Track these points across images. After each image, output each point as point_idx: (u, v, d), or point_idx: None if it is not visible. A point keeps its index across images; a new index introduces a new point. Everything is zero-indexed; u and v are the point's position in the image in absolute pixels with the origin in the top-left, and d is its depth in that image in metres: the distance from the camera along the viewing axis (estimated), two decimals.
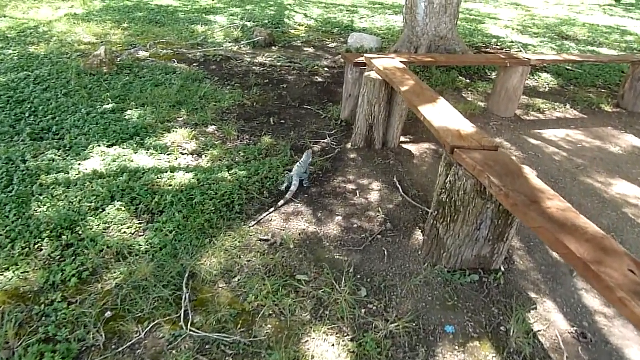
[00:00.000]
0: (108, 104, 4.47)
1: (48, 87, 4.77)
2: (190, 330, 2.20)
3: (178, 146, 3.90)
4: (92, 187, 3.14)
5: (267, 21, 8.57)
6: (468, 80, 6.16)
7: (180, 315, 2.28)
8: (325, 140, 4.26)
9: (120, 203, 3.02)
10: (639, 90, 5.57)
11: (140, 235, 2.81)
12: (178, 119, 4.41)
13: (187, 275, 2.52)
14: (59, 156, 3.52)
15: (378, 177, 3.71)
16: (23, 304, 2.28)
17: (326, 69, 6.26)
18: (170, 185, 3.25)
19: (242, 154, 3.83)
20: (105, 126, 4.02)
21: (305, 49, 7.22)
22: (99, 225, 2.82)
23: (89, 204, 2.97)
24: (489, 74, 6.50)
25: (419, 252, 2.90)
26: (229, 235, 2.88)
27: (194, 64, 6.01)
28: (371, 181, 3.65)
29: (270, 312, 2.35)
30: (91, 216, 2.89)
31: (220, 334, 2.20)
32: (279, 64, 6.27)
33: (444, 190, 2.66)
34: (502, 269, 2.81)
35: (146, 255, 2.64)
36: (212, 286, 2.49)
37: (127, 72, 5.39)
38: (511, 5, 13.14)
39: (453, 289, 2.62)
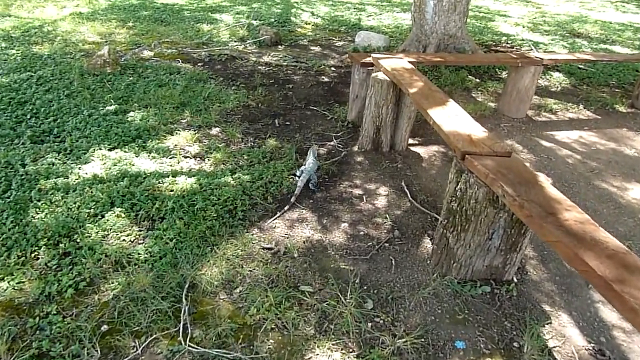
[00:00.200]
0: (110, 105, 4.40)
1: (50, 87, 4.71)
2: (189, 346, 2.11)
3: (181, 149, 3.81)
4: (91, 192, 3.06)
5: (273, 19, 8.47)
6: (478, 80, 6.02)
7: (179, 329, 2.20)
8: (331, 143, 4.16)
9: (119, 209, 2.94)
10: None
11: (139, 243, 2.73)
12: (181, 121, 4.32)
13: (187, 286, 2.44)
14: (59, 160, 3.45)
15: (385, 182, 3.61)
16: (17, 317, 2.21)
17: (333, 69, 6.15)
18: (172, 191, 3.17)
19: (245, 157, 3.74)
20: (107, 128, 3.95)
21: (312, 48, 7.11)
22: (97, 232, 2.74)
23: (88, 210, 2.89)
24: (499, 73, 6.36)
25: (428, 262, 2.79)
26: (231, 243, 2.79)
27: (199, 64, 5.93)
28: (378, 185, 3.55)
29: (273, 326, 2.26)
30: (90, 223, 2.81)
31: (220, 350, 2.11)
32: (284, 64, 6.17)
33: (454, 198, 2.55)
34: (515, 279, 2.70)
35: (145, 264, 2.56)
36: (213, 297, 2.41)
37: (131, 72, 5.32)
38: (521, 2, 12.93)
39: (463, 302, 2.51)
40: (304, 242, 2.87)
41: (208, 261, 2.63)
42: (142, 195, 3.07)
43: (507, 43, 7.89)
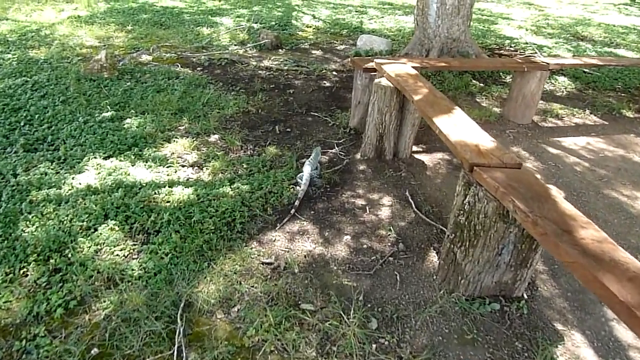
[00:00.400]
0: (107, 112, 4.29)
1: (46, 93, 4.60)
2: None
3: (178, 157, 3.71)
4: (84, 204, 2.95)
5: (274, 23, 8.38)
6: (482, 84, 5.92)
7: (174, 352, 2.08)
8: (333, 150, 4.05)
9: (113, 222, 2.83)
10: None
11: (133, 258, 2.62)
12: (179, 128, 4.22)
13: (182, 304, 2.33)
14: (52, 169, 3.34)
15: (389, 191, 3.49)
16: (3, 339, 2.10)
17: (334, 73, 6.04)
18: (168, 202, 3.06)
19: (245, 166, 3.63)
20: (102, 136, 3.84)
21: (313, 52, 7.01)
22: (89, 247, 2.63)
23: (81, 223, 2.79)
24: (503, 77, 6.25)
25: (434, 277, 2.68)
26: (229, 258, 2.67)
27: (198, 68, 5.83)
28: (382, 195, 3.44)
29: (272, 348, 2.15)
30: (82, 237, 2.70)
31: None
32: (285, 68, 6.07)
33: (461, 212, 2.43)
34: (525, 296, 2.58)
35: (139, 281, 2.45)
36: (209, 317, 2.29)
37: (129, 77, 5.22)
38: (524, 5, 12.83)
39: (472, 320, 2.40)
40: (305, 257, 2.76)
41: (205, 277, 2.52)
42: (137, 206, 2.96)
43: (511, 46, 7.78)
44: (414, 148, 4.12)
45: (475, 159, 2.43)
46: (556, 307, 2.54)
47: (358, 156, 3.98)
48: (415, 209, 3.28)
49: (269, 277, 2.58)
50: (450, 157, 4.07)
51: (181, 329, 2.18)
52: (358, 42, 7.14)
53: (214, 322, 2.27)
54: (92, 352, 2.06)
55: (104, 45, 6.40)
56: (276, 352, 2.14)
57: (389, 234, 3.01)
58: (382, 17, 9.74)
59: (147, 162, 3.54)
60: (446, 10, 6.05)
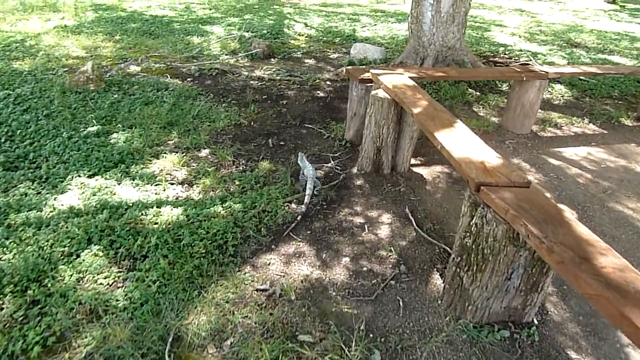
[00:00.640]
0: (92, 126, 4.12)
1: (29, 107, 4.42)
2: None
3: (167, 174, 3.54)
4: (66, 227, 2.78)
5: (265, 31, 8.25)
6: (478, 93, 5.81)
7: None
8: (329, 165, 3.90)
9: (97, 247, 2.65)
10: None
11: (118, 287, 2.44)
12: (168, 142, 4.05)
13: (170, 339, 2.16)
14: (33, 189, 3.17)
15: (388, 208, 3.35)
16: None
17: (328, 83, 5.91)
18: (156, 223, 2.89)
19: (237, 183, 3.47)
20: (87, 152, 3.67)
21: (306, 61, 6.89)
22: (71, 275, 2.45)
23: (62, 249, 2.61)
24: (500, 85, 6.15)
25: (439, 302, 2.53)
26: (221, 285, 2.51)
27: (188, 79, 5.67)
28: (381, 212, 3.29)
29: None
30: (63, 264, 2.52)
31: None
32: (278, 78, 5.93)
33: (468, 234, 2.29)
34: (535, 321, 2.44)
35: (124, 313, 2.27)
36: (200, 352, 2.13)
37: (116, 89, 5.04)
38: (516, 12, 12.83)
39: (480, 350, 2.25)
40: (301, 281, 2.60)
41: (195, 307, 2.35)
42: (122, 229, 2.79)
43: (505, 54, 7.71)
44: (412, 161, 3.99)
45: (481, 177, 2.29)
46: (568, 333, 2.40)
47: (355, 170, 3.84)
48: (416, 227, 3.14)
49: (263, 305, 2.42)
50: (449, 170, 3.94)
51: None
52: (352, 50, 7.03)
53: (205, 358, 2.10)
54: None
55: (91, 56, 6.23)
56: None
57: (390, 255, 2.86)
58: (375, 24, 9.65)
59: (134, 180, 3.37)
60: (441, 18, 5.95)
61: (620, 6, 16.02)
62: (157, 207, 3.04)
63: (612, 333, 2.42)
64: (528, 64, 6.65)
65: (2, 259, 2.53)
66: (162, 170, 3.59)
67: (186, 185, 3.44)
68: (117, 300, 2.33)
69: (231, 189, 3.39)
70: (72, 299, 2.31)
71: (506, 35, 9.29)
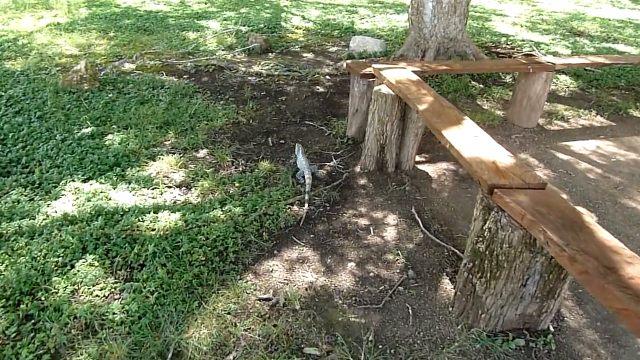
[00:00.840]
0: (86, 128, 4.00)
1: (21, 109, 4.30)
2: None
3: (164, 177, 3.43)
4: (60, 236, 2.67)
5: (262, 25, 8.08)
6: (481, 85, 5.68)
7: None
8: (331, 163, 3.79)
9: (92, 256, 2.54)
10: None
11: (115, 299, 2.34)
12: (165, 143, 3.93)
13: (170, 355, 2.05)
14: (26, 195, 3.05)
15: (393, 208, 3.24)
16: None
17: (327, 77, 5.78)
18: (153, 230, 2.78)
19: (237, 185, 3.35)
20: (81, 155, 3.55)
21: (304, 55, 6.74)
22: (65, 287, 2.34)
23: (56, 259, 2.50)
24: (504, 77, 6.01)
25: (450, 309, 2.42)
26: (222, 295, 2.40)
27: (184, 76, 5.53)
28: (386, 213, 3.18)
29: None
30: (57, 275, 2.41)
31: None
32: (276, 73, 5.79)
33: (481, 239, 2.18)
34: (551, 328, 2.34)
35: (121, 327, 2.17)
36: None
37: (110, 89, 4.91)
38: (516, 0, 12.63)
39: None
40: (306, 289, 2.50)
41: (195, 320, 2.24)
42: (118, 237, 2.68)
43: (507, 44, 7.56)
44: (417, 158, 3.87)
45: (494, 179, 2.17)
46: (586, 340, 2.30)
47: (358, 169, 3.72)
48: (423, 228, 3.03)
49: (267, 315, 2.31)
50: (455, 167, 3.82)
51: None
52: (351, 43, 6.88)
53: None
54: None
55: (85, 54, 6.08)
56: None
57: (397, 259, 2.75)
58: (374, 16, 9.48)
59: (130, 184, 3.26)
60: (442, 9, 5.80)
61: None
62: (154, 212, 2.93)
63: (632, 340, 2.32)
64: (532, 55, 6.51)
65: None
66: (158, 172, 3.47)
67: (184, 188, 3.33)
68: (114, 313, 2.23)
69: (231, 191, 3.28)
70: (67, 312, 2.20)
71: (507, 25, 9.13)
